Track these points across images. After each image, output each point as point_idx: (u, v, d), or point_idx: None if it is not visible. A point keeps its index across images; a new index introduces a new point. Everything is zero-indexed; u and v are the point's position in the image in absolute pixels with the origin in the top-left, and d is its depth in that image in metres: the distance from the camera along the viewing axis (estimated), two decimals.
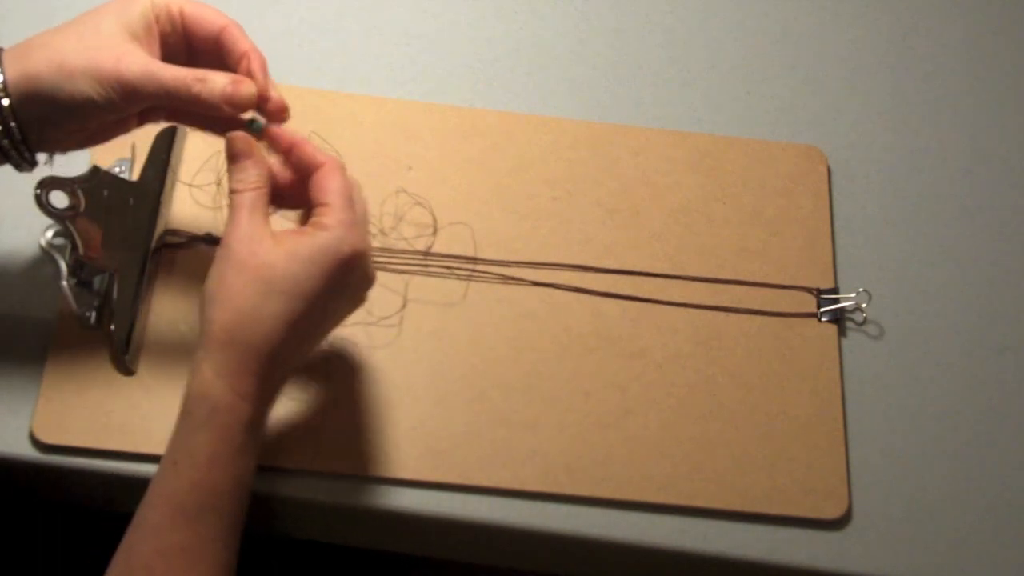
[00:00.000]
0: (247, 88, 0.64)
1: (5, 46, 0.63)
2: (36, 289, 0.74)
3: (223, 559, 0.60)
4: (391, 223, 0.79)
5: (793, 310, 0.80)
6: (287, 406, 0.71)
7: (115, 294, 0.70)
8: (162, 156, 0.75)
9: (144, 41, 0.64)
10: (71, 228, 0.68)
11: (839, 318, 0.80)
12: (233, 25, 0.66)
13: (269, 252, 0.60)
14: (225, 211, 0.77)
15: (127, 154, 0.76)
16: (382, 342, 0.75)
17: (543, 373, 0.76)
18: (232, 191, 0.63)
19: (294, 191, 0.65)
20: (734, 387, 0.77)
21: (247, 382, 0.60)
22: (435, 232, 0.79)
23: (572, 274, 0.79)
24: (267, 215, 0.63)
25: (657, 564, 0.75)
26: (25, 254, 0.75)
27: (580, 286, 0.79)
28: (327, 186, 0.63)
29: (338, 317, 0.66)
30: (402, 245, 0.78)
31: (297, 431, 0.72)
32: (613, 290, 0.79)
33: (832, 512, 0.74)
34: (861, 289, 0.81)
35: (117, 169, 0.75)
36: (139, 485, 0.71)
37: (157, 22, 0.64)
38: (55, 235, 0.72)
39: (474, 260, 0.79)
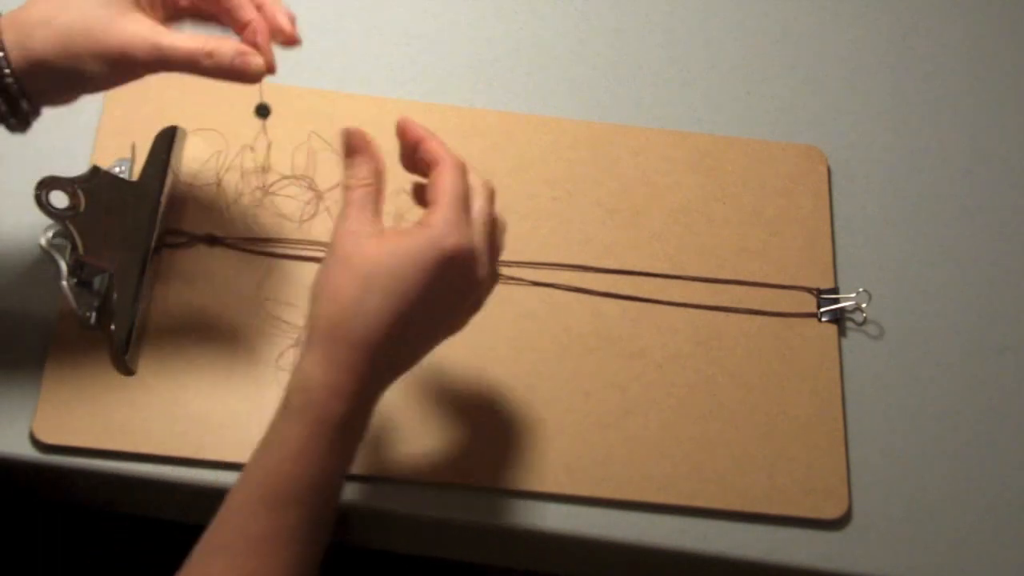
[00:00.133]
0: (255, 62, 0.63)
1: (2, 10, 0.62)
2: (36, 289, 0.74)
3: (304, 553, 0.59)
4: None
5: (793, 310, 0.80)
6: None
7: (115, 294, 0.70)
8: (162, 156, 0.75)
9: (146, 2, 0.63)
10: (71, 228, 0.68)
11: (839, 318, 0.80)
12: None
13: (373, 249, 0.59)
14: (225, 211, 0.78)
15: (127, 154, 0.76)
16: None
17: (543, 373, 0.76)
18: (345, 187, 0.62)
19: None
20: (734, 387, 0.77)
21: (344, 378, 0.59)
22: None
23: (572, 274, 0.79)
24: (378, 213, 0.62)
25: (657, 564, 0.75)
26: (25, 254, 0.75)
27: (580, 286, 0.79)
28: (439, 184, 0.62)
29: (449, 321, 0.64)
30: None
31: None
32: (613, 290, 0.79)
33: (832, 512, 0.74)
34: (861, 289, 0.81)
35: (117, 169, 0.75)
36: (139, 485, 0.71)
37: None
38: (55, 235, 0.72)
39: None
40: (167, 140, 0.76)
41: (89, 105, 0.79)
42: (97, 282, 0.72)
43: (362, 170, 0.62)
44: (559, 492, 0.73)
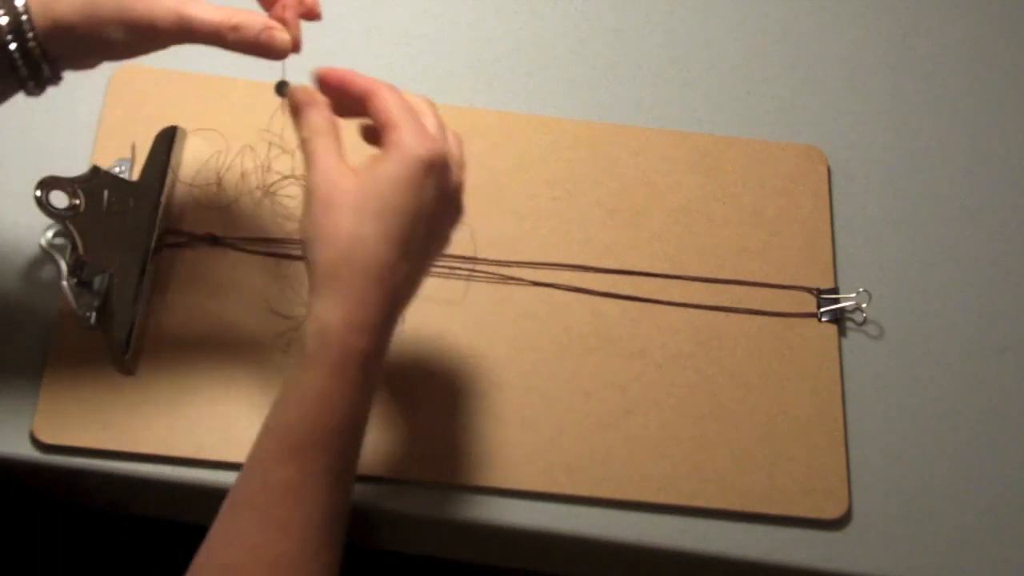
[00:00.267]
0: (281, 38, 0.62)
1: None
2: (36, 289, 0.74)
3: (331, 498, 0.59)
4: None
5: (793, 310, 0.80)
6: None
7: (115, 294, 0.70)
8: (162, 156, 0.75)
9: None
10: (71, 228, 0.68)
11: (839, 318, 0.80)
12: None
13: (352, 183, 0.59)
14: (225, 211, 0.78)
15: (127, 154, 0.76)
16: None
17: (543, 373, 0.76)
18: (302, 140, 0.62)
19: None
20: (734, 387, 0.77)
21: (359, 310, 0.58)
22: None
23: (572, 274, 0.79)
24: (341, 155, 0.62)
25: (657, 564, 0.75)
26: (25, 254, 0.74)
27: (580, 286, 0.79)
28: (385, 110, 0.62)
29: (439, 231, 0.64)
30: None
31: None
32: (613, 290, 0.79)
33: (832, 512, 0.74)
34: (861, 289, 0.81)
35: (117, 169, 0.75)
36: (139, 485, 0.71)
37: None
38: (55, 235, 0.72)
39: (474, 260, 0.79)
40: (167, 140, 0.76)
41: (89, 105, 0.79)
42: (97, 282, 0.72)
43: (315, 120, 0.62)
44: (559, 492, 0.73)
